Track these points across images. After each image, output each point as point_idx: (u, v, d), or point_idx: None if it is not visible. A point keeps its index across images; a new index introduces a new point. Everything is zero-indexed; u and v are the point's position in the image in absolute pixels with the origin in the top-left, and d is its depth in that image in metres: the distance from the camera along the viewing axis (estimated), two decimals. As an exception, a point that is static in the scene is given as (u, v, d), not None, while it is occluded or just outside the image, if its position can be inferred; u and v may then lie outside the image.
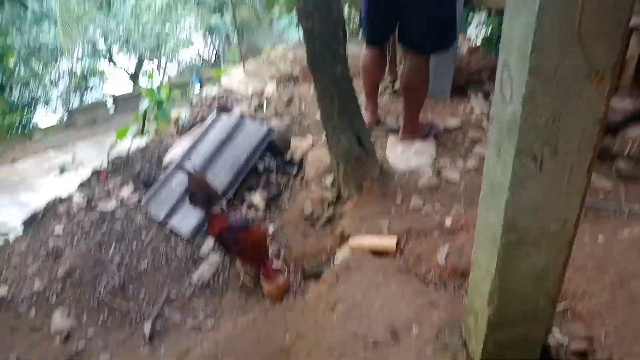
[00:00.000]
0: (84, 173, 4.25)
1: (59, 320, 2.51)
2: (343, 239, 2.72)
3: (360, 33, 3.30)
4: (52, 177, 4.25)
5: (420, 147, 3.26)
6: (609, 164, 2.74)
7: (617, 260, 2.05)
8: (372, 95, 3.43)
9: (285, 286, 2.54)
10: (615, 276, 1.97)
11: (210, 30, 17.21)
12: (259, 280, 2.59)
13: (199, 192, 2.69)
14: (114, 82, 17.24)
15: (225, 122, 3.85)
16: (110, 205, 3.58)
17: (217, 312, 2.52)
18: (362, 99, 3.18)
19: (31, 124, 14.24)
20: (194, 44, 18.18)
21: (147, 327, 2.42)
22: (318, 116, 2.98)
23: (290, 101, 4.51)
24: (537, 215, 1.24)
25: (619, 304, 1.86)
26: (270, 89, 4.99)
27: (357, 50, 3.71)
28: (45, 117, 15.22)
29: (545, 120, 1.07)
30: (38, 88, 15.00)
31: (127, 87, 17.06)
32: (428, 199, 2.78)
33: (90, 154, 5.81)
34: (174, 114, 4.92)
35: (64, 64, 15.79)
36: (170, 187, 3.48)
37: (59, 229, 3.35)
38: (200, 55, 19.03)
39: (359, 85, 3.17)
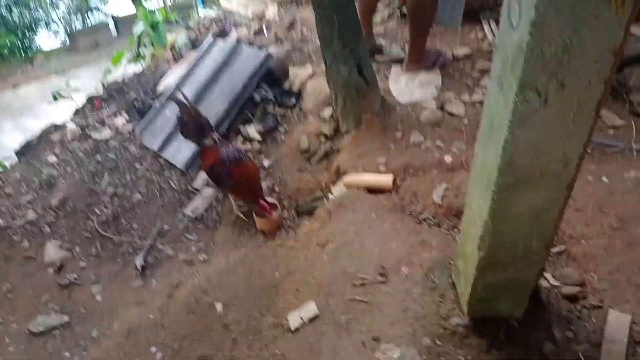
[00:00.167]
0: (79, 100, 4.12)
1: (52, 251, 2.51)
2: (339, 175, 2.64)
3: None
4: (47, 104, 4.13)
5: (425, 78, 3.08)
6: (623, 99, 2.57)
7: (619, 202, 1.96)
8: (366, 19, 3.17)
9: (278, 222, 2.50)
10: (615, 218, 1.90)
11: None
12: (252, 215, 2.55)
13: (190, 123, 2.58)
14: (116, 1, 16.55)
15: (221, 47, 3.65)
16: (104, 134, 3.50)
17: (210, 246, 2.50)
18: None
19: (33, 47, 13.87)
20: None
21: (139, 260, 2.42)
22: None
23: (291, 25, 4.25)
24: (538, 155, 1.14)
25: (616, 248, 1.80)
26: (272, 11, 4.70)
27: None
28: (47, 40, 14.80)
29: (554, 50, 0.95)
30: (38, 9, 14.46)
31: (129, 8, 16.39)
32: (429, 135, 2.66)
33: (88, 80, 5.63)
34: (170, 37, 4.68)
35: (65, -19, 15.10)
36: (164, 117, 3.37)
37: (52, 158, 3.30)
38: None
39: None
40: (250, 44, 3.90)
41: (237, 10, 5.03)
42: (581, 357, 1.50)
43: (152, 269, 2.41)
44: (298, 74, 3.41)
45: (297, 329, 1.79)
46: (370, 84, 2.76)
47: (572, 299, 1.70)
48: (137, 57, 4.58)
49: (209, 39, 3.90)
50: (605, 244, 1.83)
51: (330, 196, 2.55)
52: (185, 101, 2.55)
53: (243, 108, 3.26)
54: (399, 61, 3.26)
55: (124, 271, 2.42)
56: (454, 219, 2.14)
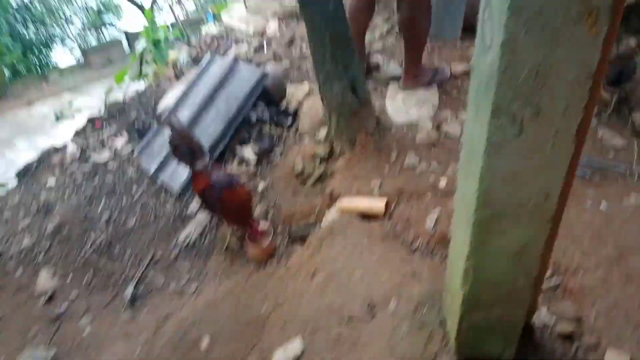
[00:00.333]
0: (81, 120, 4.15)
1: (44, 280, 2.51)
2: (333, 199, 2.58)
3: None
4: (53, 124, 4.16)
5: (422, 96, 3.01)
6: (625, 117, 2.47)
7: (618, 231, 1.87)
8: (360, 41, 3.09)
9: (270, 250, 2.45)
10: (613, 249, 1.80)
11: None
12: (244, 242, 2.50)
13: (181, 146, 2.55)
14: (130, 18, 16.82)
15: (219, 66, 3.64)
16: (103, 156, 3.50)
17: (201, 275, 2.47)
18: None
19: (48, 64, 14.15)
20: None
21: (128, 292, 2.39)
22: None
23: (291, 42, 4.23)
24: (516, 187, 1.07)
25: (614, 282, 1.70)
26: (273, 27, 4.68)
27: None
28: (62, 57, 15.09)
29: (527, 72, 0.88)
30: (54, 25, 14.78)
31: (142, 24, 16.65)
32: (425, 156, 2.59)
33: (98, 97, 5.67)
34: (173, 54, 4.70)
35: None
36: (162, 139, 3.36)
37: (51, 181, 3.31)
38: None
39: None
40: (249, 61, 3.88)
41: (239, 26, 5.02)
42: (575, 403, 1.41)
43: (142, 299, 2.38)
44: (295, 93, 3.37)
45: (281, 368, 1.73)
46: (364, 104, 2.70)
47: (568, 337, 1.61)
48: (140, 75, 4.59)
49: (207, 56, 3.89)
50: (603, 277, 1.74)
51: (324, 221, 2.50)
52: (177, 124, 2.53)
53: (239, 129, 3.23)
54: (397, 78, 3.20)
55: (114, 302, 2.40)
56: (447, 248, 2.06)
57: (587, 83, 0.90)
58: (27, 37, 13.53)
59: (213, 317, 2.06)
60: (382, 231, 2.24)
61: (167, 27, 4.79)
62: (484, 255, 1.23)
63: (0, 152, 6.91)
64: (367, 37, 3.77)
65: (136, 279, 2.48)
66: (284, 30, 4.58)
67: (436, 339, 1.61)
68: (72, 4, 15.28)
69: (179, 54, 4.66)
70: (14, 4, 12.96)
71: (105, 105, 4.21)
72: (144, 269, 2.55)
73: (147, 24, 4.71)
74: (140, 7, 16.45)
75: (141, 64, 4.54)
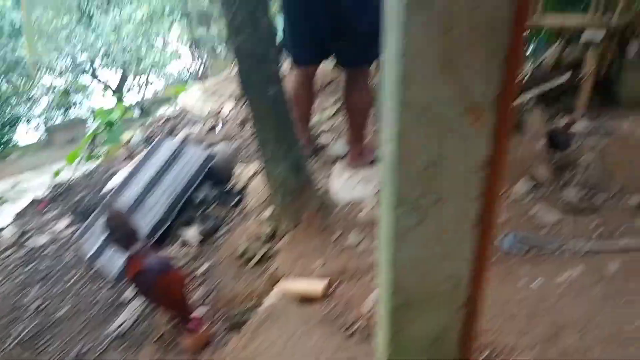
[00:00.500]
0: (24, 202, 4.01)
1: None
2: (274, 281, 2.49)
3: (286, 52, 3.03)
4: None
5: (366, 174, 3.04)
6: (559, 193, 2.53)
7: (553, 308, 1.84)
8: (303, 126, 3.13)
9: (205, 339, 2.31)
10: (549, 327, 1.77)
11: (195, 43, 16.99)
12: (179, 330, 2.36)
13: (116, 230, 2.46)
14: (97, 97, 17.00)
15: (168, 147, 3.63)
16: (42, 240, 3.35)
17: (131, 368, 2.29)
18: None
19: (11, 143, 13.99)
20: (181, 57, 17.95)
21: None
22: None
23: (244, 122, 4.30)
24: (423, 275, 1.04)
25: (550, 362, 1.65)
26: (228, 107, 4.78)
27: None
28: (25, 135, 14.95)
29: (423, 163, 0.88)
30: (19, 105, 14.78)
31: (110, 103, 16.81)
32: (368, 235, 2.56)
33: (46, 179, 5.57)
34: (127, 135, 4.70)
35: (46, 79, 15.55)
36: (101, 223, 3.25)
37: (-17, 267, 3.12)
38: (187, 69, 18.80)
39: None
40: (201, 141, 3.90)
41: (195, 107, 5.11)
42: None
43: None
44: (243, 172, 3.37)
45: None
46: (307, 184, 2.71)
47: None
48: (91, 155, 4.55)
49: (158, 138, 3.90)
50: (539, 356, 1.68)
51: (263, 306, 2.39)
52: (113, 207, 2.46)
53: (184, 209, 3.16)
54: (344, 157, 3.24)
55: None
56: (385, 331, 1.98)
57: (481, 172, 0.90)
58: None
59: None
60: (321, 315, 2.15)
61: (126, 107, 4.82)
62: (403, 342, 1.17)
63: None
64: (317, 117, 3.88)
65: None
66: (239, 110, 4.67)
67: None
68: (39, 84, 15.40)
69: (134, 134, 4.67)
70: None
71: (52, 186, 4.11)
72: (68, 364, 2.35)
73: (112, 104, 4.74)
74: (108, 87, 16.74)
75: (93, 144, 4.51)
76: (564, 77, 3.20)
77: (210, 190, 3.25)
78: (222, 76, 5.73)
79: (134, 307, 2.61)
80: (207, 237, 2.99)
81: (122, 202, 2.43)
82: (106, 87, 16.81)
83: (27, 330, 2.56)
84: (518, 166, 2.85)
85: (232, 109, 4.70)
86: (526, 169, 2.81)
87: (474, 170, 0.91)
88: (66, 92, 15.64)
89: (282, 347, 1.96)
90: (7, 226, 3.63)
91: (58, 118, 15.86)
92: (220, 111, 4.79)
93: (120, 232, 2.45)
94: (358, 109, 2.94)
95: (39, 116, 15.54)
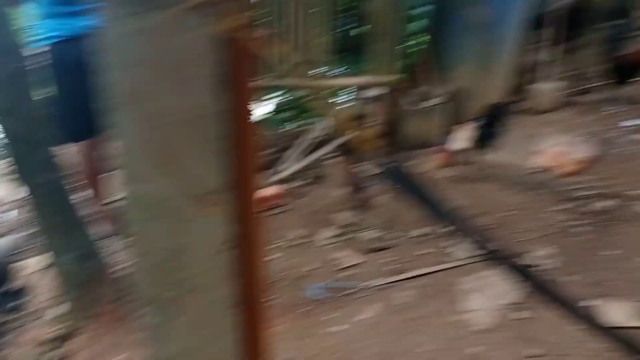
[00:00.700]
0: None
1: None
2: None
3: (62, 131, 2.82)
4: None
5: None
6: (359, 235, 2.77)
7: (358, 348, 1.95)
8: (93, 181, 2.94)
9: None
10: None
11: None
12: None
13: None
14: None
15: None
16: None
17: None
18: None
19: None
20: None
21: None
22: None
23: (24, 209, 3.76)
24: None
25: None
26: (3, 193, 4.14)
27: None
28: None
29: (163, 256, 0.84)
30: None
31: None
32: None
33: None
34: None
35: None
36: None
37: None
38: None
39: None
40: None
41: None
42: None
43: None
44: (26, 268, 2.91)
45: None
46: (99, 271, 2.46)
47: None
48: None
49: None
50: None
51: None
52: None
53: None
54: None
55: None
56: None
57: (226, 255, 0.90)
58: None
59: None
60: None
61: None
62: None
63: None
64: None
65: None
66: (18, 197, 4.08)
67: None
68: None
69: None
70: None
71: None
72: None
73: None
74: None
75: None
76: (359, 131, 3.56)
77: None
78: None
79: None
80: (-19, 356, 2.47)
81: None
82: None
83: None
84: (321, 214, 3.04)
85: (8, 194, 4.09)
86: (329, 216, 3.01)
87: (219, 254, 0.90)
88: None
89: None
90: None
91: None
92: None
93: None
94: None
95: None
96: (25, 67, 2.27)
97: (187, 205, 0.79)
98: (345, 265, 2.56)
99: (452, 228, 2.47)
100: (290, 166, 3.52)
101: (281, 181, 3.36)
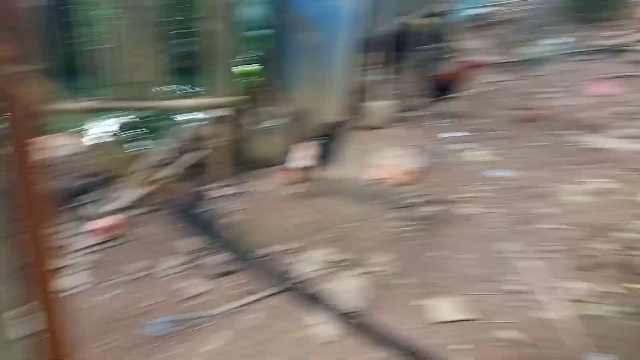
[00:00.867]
0: None
1: None
2: None
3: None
4: None
5: None
6: (205, 261, 2.66)
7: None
8: None
9: None
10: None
11: None
12: None
13: None
14: None
15: None
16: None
17: None
18: None
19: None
20: None
21: None
22: None
23: None
24: None
25: None
26: None
27: None
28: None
29: None
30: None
31: None
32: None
33: None
34: None
35: None
36: None
37: None
38: None
39: None
40: None
41: None
42: None
43: None
44: None
45: None
46: None
47: None
48: None
49: None
50: None
51: None
52: None
53: None
54: None
55: None
56: None
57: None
58: None
59: None
60: None
61: None
62: None
63: None
64: None
65: None
66: None
67: None
68: None
69: None
70: None
71: None
72: None
73: None
74: None
75: None
76: (203, 152, 3.43)
77: None
78: None
79: None
80: None
81: None
82: None
83: None
84: (164, 243, 2.84)
85: None
86: (172, 243, 2.83)
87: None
88: None
89: None
90: None
91: None
92: None
93: None
94: None
95: None
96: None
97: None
98: (191, 295, 2.42)
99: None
100: (129, 193, 3.26)
101: (119, 210, 3.09)
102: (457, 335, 2.11)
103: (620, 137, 4.06)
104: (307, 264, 2.60)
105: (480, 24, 6.89)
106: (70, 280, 2.42)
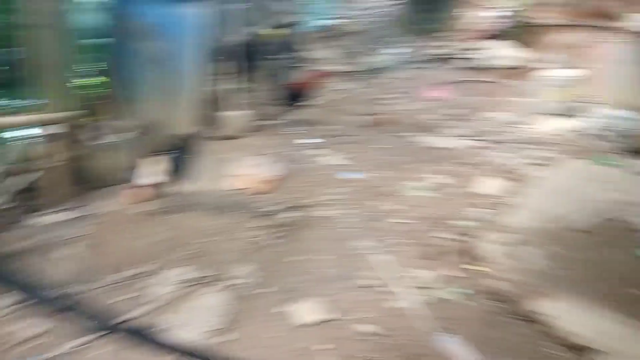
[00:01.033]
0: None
1: None
2: None
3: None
4: None
5: None
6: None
7: None
8: None
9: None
10: None
11: None
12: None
13: None
14: None
15: None
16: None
17: None
18: None
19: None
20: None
21: None
22: None
23: None
24: None
25: None
26: None
27: None
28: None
29: None
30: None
31: None
32: None
33: None
34: None
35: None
36: None
37: None
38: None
39: None
40: None
41: None
42: None
43: None
44: None
45: None
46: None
47: None
48: None
49: None
50: None
51: None
52: None
53: None
54: None
55: None
56: None
57: None
58: None
59: None
60: None
61: None
62: None
63: None
64: None
65: None
66: None
67: None
68: None
69: None
70: None
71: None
72: None
73: None
74: None
75: None
76: (34, 174, 3.01)
77: None
78: None
79: None
80: None
81: None
82: None
83: None
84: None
85: None
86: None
87: None
88: None
89: None
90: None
91: None
92: None
93: None
94: None
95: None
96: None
97: None
98: (25, 338, 2.12)
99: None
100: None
101: None
102: (319, 335, 2.16)
103: (451, 136, 4.56)
104: (161, 287, 2.44)
105: (327, 35, 7.24)
106: None
